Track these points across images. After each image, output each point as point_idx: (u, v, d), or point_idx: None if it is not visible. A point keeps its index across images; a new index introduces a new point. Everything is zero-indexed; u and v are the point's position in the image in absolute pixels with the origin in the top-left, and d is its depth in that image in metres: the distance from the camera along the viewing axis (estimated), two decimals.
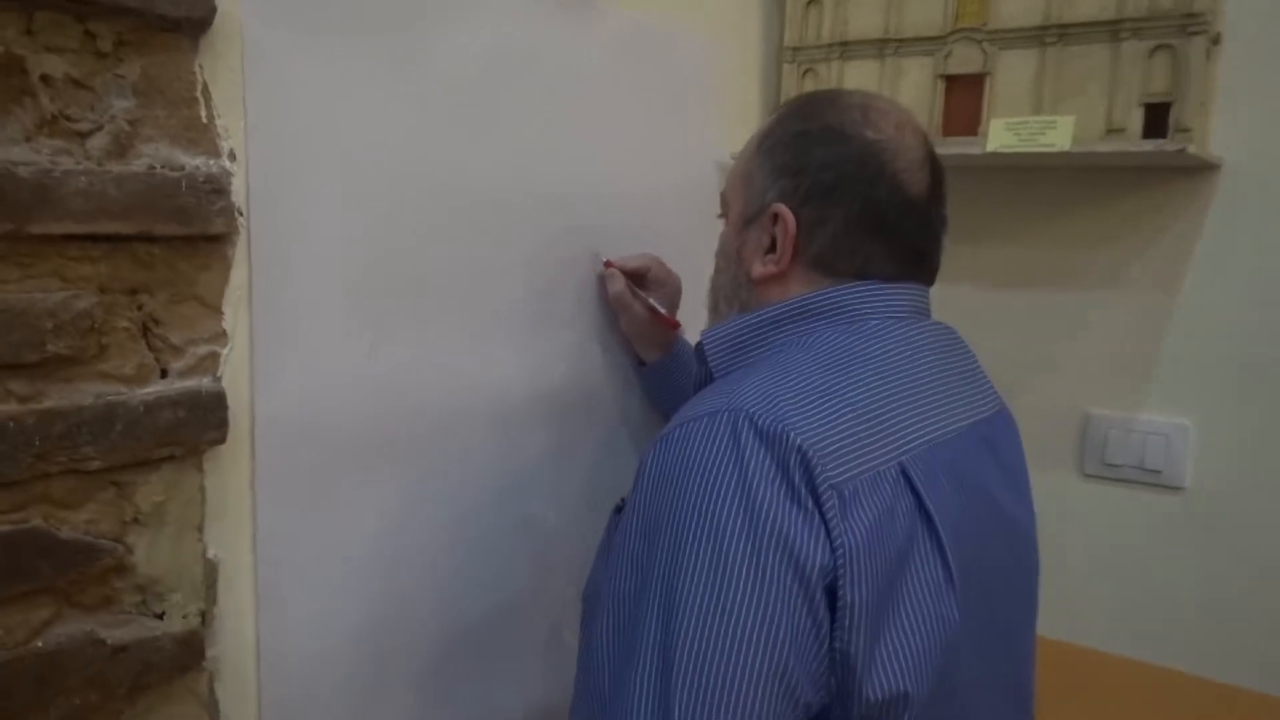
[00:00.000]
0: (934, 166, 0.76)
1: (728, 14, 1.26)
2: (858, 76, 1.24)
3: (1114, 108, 1.07)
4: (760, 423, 0.60)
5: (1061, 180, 1.23)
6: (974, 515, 0.69)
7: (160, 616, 0.66)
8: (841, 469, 0.60)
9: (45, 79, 0.58)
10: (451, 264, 0.87)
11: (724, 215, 0.83)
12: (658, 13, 1.10)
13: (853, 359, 0.68)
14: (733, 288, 0.79)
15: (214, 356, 0.69)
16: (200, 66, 0.66)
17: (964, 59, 1.17)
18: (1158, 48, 1.05)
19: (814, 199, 0.73)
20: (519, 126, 0.92)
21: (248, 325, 0.71)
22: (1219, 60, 1.11)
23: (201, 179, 0.65)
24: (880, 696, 0.58)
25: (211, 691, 0.70)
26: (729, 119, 1.26)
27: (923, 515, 0.63)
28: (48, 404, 0.59)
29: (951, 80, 1.18)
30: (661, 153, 1.13)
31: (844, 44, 1.25)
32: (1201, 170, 1.14)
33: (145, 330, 0.65)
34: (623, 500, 0.70)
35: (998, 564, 0.71)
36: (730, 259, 0.80)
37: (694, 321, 1.00)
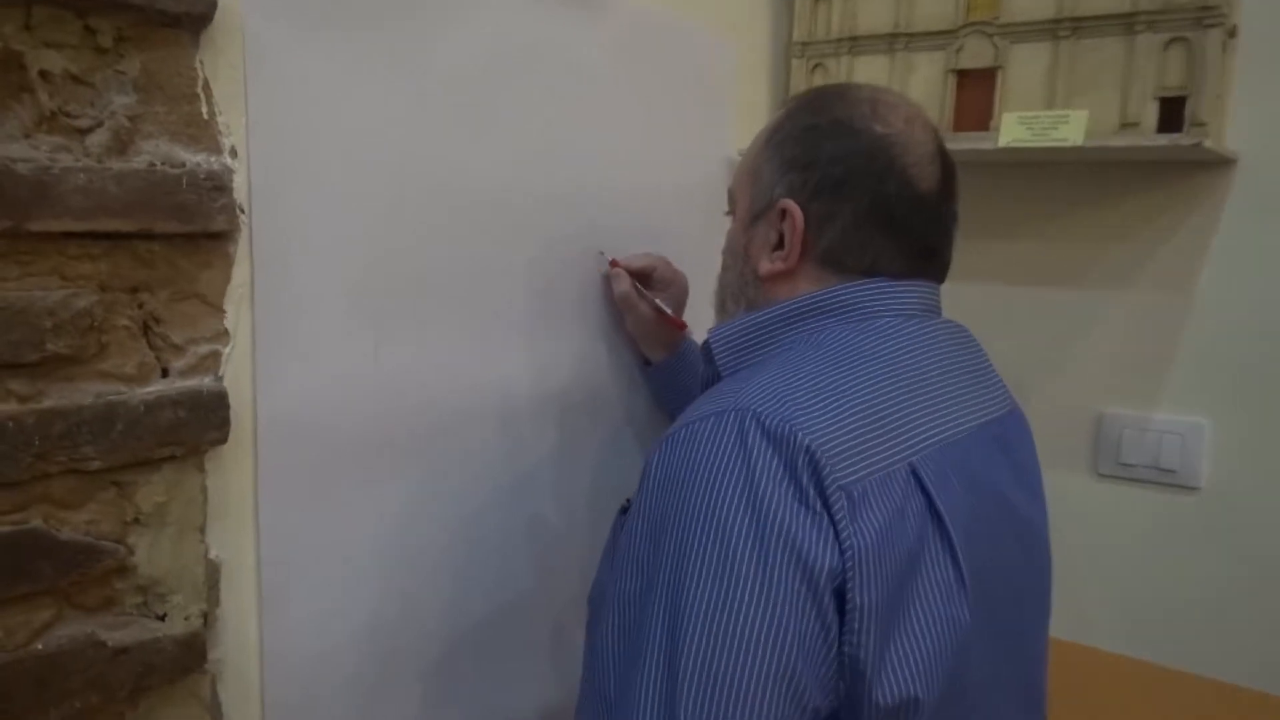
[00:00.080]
0: (944, 161, 0.75)
1: (736, 8, 1.25)
2: (867, 71, 1.23)
3: (1128, 102, 1.06)
4: (767, 423, 0.59)
5: (1074, 176, 1.21)
6: (985, 516, 0.67)
7: (162, 618, 0.66)
8: (850, 470, 0.59)
9: (44, 75, 0.58)
10: (455, 262, 0.86)
11: (731, 212, 0.82)
12: (664, 7, 1.09)
13: (862, 358, 0.66)
14: (740, 285, 0.78)
15: (215, 355, 0.68)
16: (201, 62, 0.65)
17: (975, 53, 1.15)
18: (1173, 40, 1.04)
19: (822, 194, 0.72)
20: (523, 123, 0.91)
21: (250, 324, 0.70)
22: (1235, 53, 1.09)
23: (202, 176, 0.65)
24: (890, 701, 0.57)
25: (214, 693, 0.70)
26: (737, 115, 1.24)
27: (933, 516, 0.62)
28: (47, 403, 0.59)
29: (963, 75, 1.17)
30: (668, 150, 1.12)
31: (853, 39, 1.23)
32: (1217, 165, 1.12)
33: (146, 329, 0.64)
34: (628, 501, 0.69)
35: (1010, 565, 0.70)
36: (737, 256, 0.79)
37: (701, 321, 1.00)
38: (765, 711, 0.55)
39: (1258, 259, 1.11)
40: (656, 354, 1.04)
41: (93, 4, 0.59)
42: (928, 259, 0.74)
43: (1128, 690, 1.20)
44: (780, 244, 0.74)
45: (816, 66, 1.27)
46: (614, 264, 0.99)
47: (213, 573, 0.69)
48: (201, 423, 0.66)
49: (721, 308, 0.82)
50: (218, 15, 0.65)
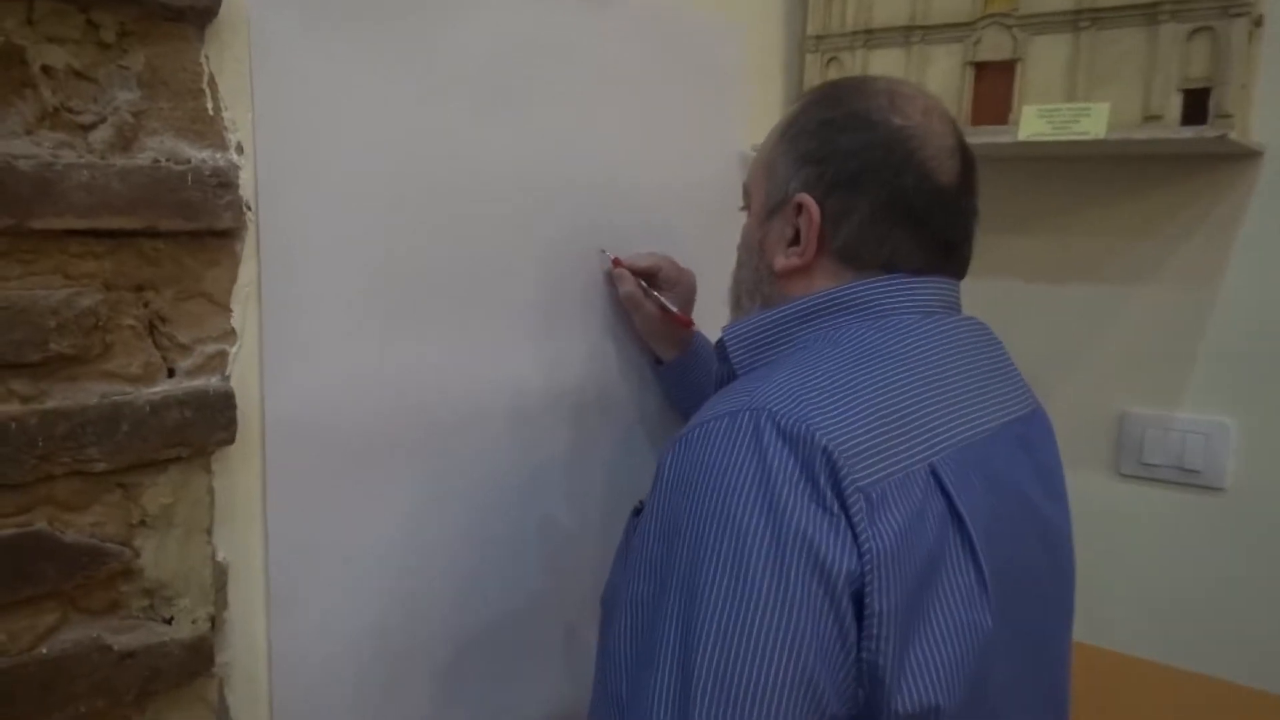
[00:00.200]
0: (964, 155, 0.73)
1: (747, 1, 1.23)
2: (883, 65, 1.21)
3: (1151, 93, 1.03)
4: (784, 422, 0.58)
5: (1095, 169, 1.19)
6: (1007, 517, 0.66)
7: (169, 621, 0.65)
8: (869, 471, 0.57)
9: (46, 70, 0.57)
10: (464, 259, 0.85)
11: (746, 207, 0.80)
12: (675, 0, 1.08)
13: (880, 356, 0.65)
14: (754, 281, 0.77)
15: (222, 355, 0.67)
16: (206, 57, 0.64)
17: (994, 45, 1.13)
18: (1197, 30, 1.01)
19: (839, 188, 0.70)
20: (533, 117, 0.90)
21: (257, 323, 0.69)
22: (1261, 43, 1.06)
23: (208, 172, 0.64)
24: (910, 709, 0.56)
25: (222, 698, 0.69)
26: (750, 110, 1.23)
27: (954, 518, 0.60)
28: (51, 404, 0.58)
29: (981, 67, 1.14)
30: (680, 145, 1.10)
31: (869, 32, 1.21)
32: (1243, 158, 1.09)
33: (151, 328, 0.63)
34: (641, 502, 0.68)
35: (1032, 568, 0.69)
36: (752, 252, 0.77)
37: (713, 319, 0.98)
38: (782, 718, 0.53)
39: None
40: (668, 352, 1.03)
41: None
42: (947, 254, 0.73)
43: (1150, 694, 1.17)
44: (796, 239, 0.72)
45: (831, 60, 1.25)
46: (616, 263, 0.98)
47: (220, 575, 0.68)
48: (208, 423, 0.65)
49: (736, 304, 0.80)
50: (223, 9, 0.64)
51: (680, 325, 0.99)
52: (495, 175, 0.87)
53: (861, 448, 0.58)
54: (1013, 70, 1.12)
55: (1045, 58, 1.10)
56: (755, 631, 0.53)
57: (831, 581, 0.54)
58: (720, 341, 0.74)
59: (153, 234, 0.62)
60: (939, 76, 1.17)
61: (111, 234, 0.60)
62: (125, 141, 0.60)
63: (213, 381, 0.66)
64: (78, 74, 0.58)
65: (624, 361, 1.03)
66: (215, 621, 0.67)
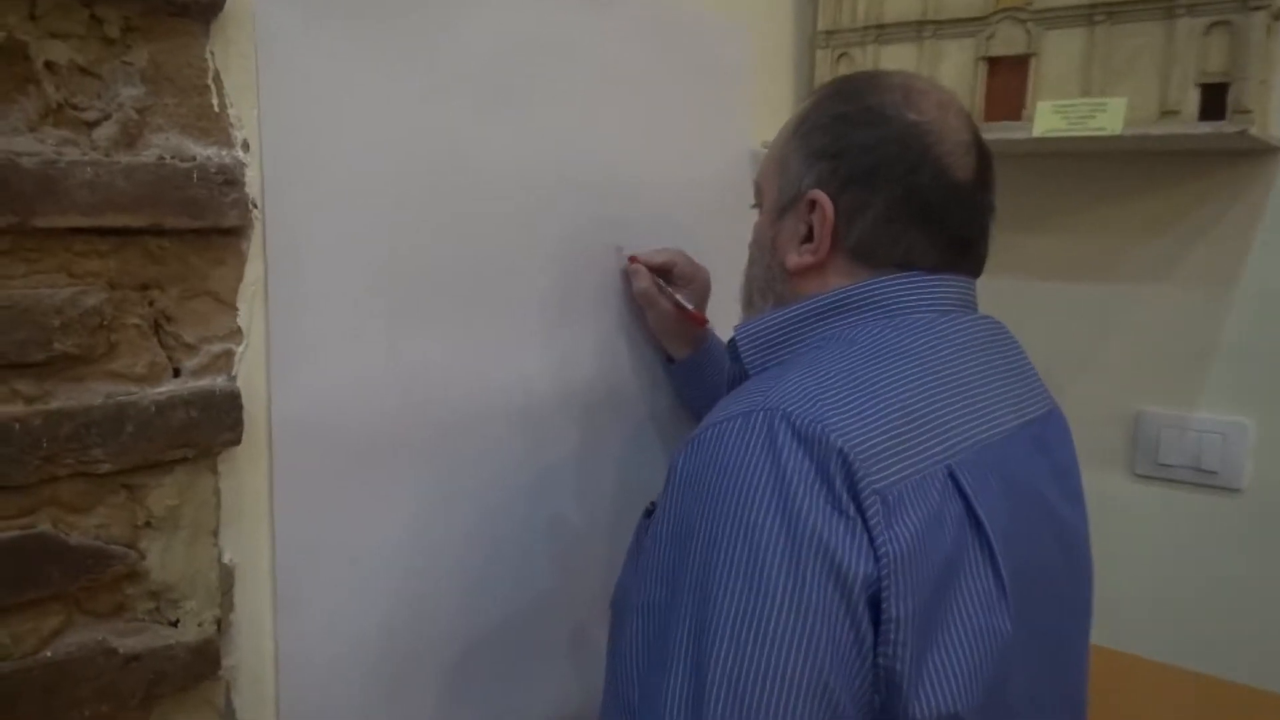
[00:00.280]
0: (980, 150, 0.72)
1: None
2: (895, 61, 1.19)
3: (1168, 89, 1.02)
4: (798, 423, 0.56)
5: (1111, 166, 1.17)
6: (1025, 520, 0.65)
7: (174, 624, 0.64)
8: (885, 473, 0.56)
9: (50, 66, 0.56)
10: (472, 257, 0.84)
11: (758, 205, 0.79)
12: None
13: (896, 355, 0.64)
14: (767, 280, 0.76)
15: (228, 354, 0.66)
16: (211, 53, 0.64)
17: (1007, 40, 1.11)
18: (1215, 24, 1.00)
19: (853, 185, 0.69)
20: (541, 114, 0.89)
21: (263, 322, 0.68)
22: None
23: (213, 170, 0.63)
24: (928, 716, 0.55)
25: (228, 701, 0.68)
26: (759, 106, 1.21)
27: (972, 521, 0.59)
28: (55, 404, 0.57)
29: (994, 62, 1.13)
30: (689, 143, 1.09)
31: (880, 26, 1.20)
32: (1262, 154, 1.08)
33: (156, 327, 0.62)
34: (652, 504, 0.67)
35: (1050, 572, 0.67)
36: (764, 249, 0.76)
37: (724, 317, 0.97)
38: None
39: None
40: (679, 350, 1.02)
41: None
42: (963, 252, 0.71)
43: (1165, 698, 1.16)
44: (809, 236, 0.71)
45: (842, 56, 1.23)
46: (632, 260, 0.97)
47: (226, 577, 0.67)
48: (214, 424, 0.64)
49: (748, 303, 0.79)
50: (228, 4, 0.63)
51: (695, 323, 0.98)
52: (502, 172, 0.86)
53: (878, 449, 0.57)
54: (1026, 65, 1.11)
55: (1060, 52, 1.08)
56: (770, 637, 0.52)
57: (848, 586, 0.53)
58: (732, 341, 0.73)
59: (158, 232, 0.61)
60: (951, 72, 1.15)
61: (116, 232, 0.59)
62: (130, 138, 0.60)
63: (219, 381, 0.65)
64: (81, 70, 0.57)
65: (635, 360, 1.02)
66: (221, 624, 0.67)
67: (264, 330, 0.69)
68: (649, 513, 0.68)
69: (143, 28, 0.60)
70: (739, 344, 0.72)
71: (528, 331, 0.90)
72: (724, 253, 0.99)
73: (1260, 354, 1.10)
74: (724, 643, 0.53)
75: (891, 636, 0.54)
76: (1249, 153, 1.08)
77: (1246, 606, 1.11)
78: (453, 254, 0.82)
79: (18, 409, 0.56)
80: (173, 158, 0.61)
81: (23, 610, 0.57)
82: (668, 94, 1.05)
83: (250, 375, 0.68)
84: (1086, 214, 1.19)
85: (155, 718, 0.64)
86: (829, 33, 1.24)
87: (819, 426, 0.56)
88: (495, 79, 0.84)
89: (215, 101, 0.64)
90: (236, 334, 0.67)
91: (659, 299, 0.97)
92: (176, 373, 0.64)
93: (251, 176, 0.66)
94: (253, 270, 0.67)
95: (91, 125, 0.58)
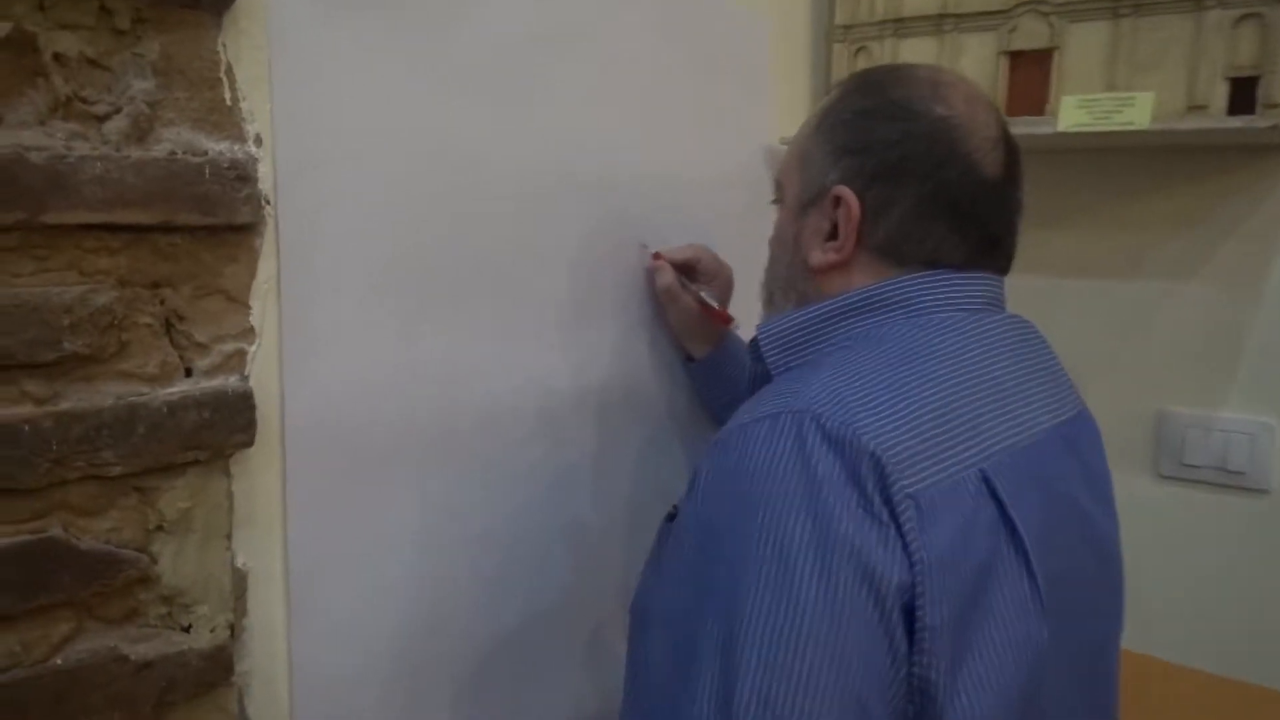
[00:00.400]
0: (1008, 145, 0.70)
1: None
2: (914, 54, 1.17)
3: (1196, 83, 1.00)
4: (828, 425, 0.55)
5: (1136, 161, 1.15)
6: (1059, 525, 0.63)
7: (187, 629, 0.63)
8: (918, 476, 0.54)
9: (58, 58, 0.55)
10: (488, 254, 0.82)
11: (779, 201, 0.77)
12: None
13: (926, 355, 0.62)
14: (789, 278, 0.74)
15: (241, 354, 0.65)
16: (223, 45, 0.62)
17: (1030, 33, 1.09)
18: (1244, 16, 0.98)
19: (879, 181, 0.67)
20: (557, 108, 0.88)
21: (276, 320, 0.67)
22: None
23: (225, 165, 0.61)
24: None
25: (242, 707, 0.67)
26: (777, 102, 1.20)
27: (1006, 526, 0.57)
28: (65, 406, 0.56)
29: (1016, 56, 1.11)
30: (705, 137, 1.07)
31: (899, 20, 1.18)
32: None
33: (168, 326, 0.61)
34: (675, 508, 0.65)
35: (1083, 577, 0.66)
36: (787, 247, 0.74)
37: (744, 316, 0.95)
38: None
39: None
40: (699, 349, 1.00)
41: None
42: (991, 249, 0.70)
43: (1190, 703, 1.14)
44: (834, 234, 0.69)
45: (860, 50, 1.22)
46: (656, 256, 0.95)
47: (239, 581, 0.66)
48: (227, 425, 0.63)
49: (769, 301, 0.77)
50: None
51: (719, 320, 0.96)
52: (518, 168, 0.84)
53: (910, 452, 0.55)
54: (1049, 59, 1.08)
55: (1084, 46, 1.06)
56: (802, 648, 0.51)
57: (881, 594, 0.52)
58: (754, 340, 0.71)
59: (169, 229, 0.60)
60: (972, 66, 1.13)
61: (127, 228, 0.58)
62: (140, 133, 0.58)
63: (231, 381, 0.64)
64: (91, 62, 0.56)
65: (654, 358, 1.00)
66: (234, 629, 0.65)
67: (276, 329, 0.67)
68: (671, 517, 0.66)
69: (153, 19, 0.58)
70: (761, 344, 0.70)
71: (544, 330, 0.88)
72: (741, 249, 0.98)
73: None
74: (753, 653, 0.52)
75: (926, 645, 0.52)
76: (1278, 148, 1.06)
77: (1274, 610, 1.09)
78: (468, 251, 0.80)
79: (28, 410, 0.54)
80: (184, 153, 0.60)
81: (33, 617, 0.56)
82: (684, 89, 1.03)
83: (263, 375, 0.66)
84: (1109, 210, 1.17)
85: None
86: (846, 26, 1.22)
87: (850, 429, 0.54)
88: (511, 73, 0.83)
89: (227, 95, 0.63)
90: (249, 333, 0.65)
91: (682, 295, 0.95)
92: (188, 373, 0.62)
93: (264, 171, 0.65)
94: (265, 268, 0.66)
95: (101, 119, 0.57)
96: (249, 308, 0.65)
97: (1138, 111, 0.99)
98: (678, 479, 1.03)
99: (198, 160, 0.60)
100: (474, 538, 0.83)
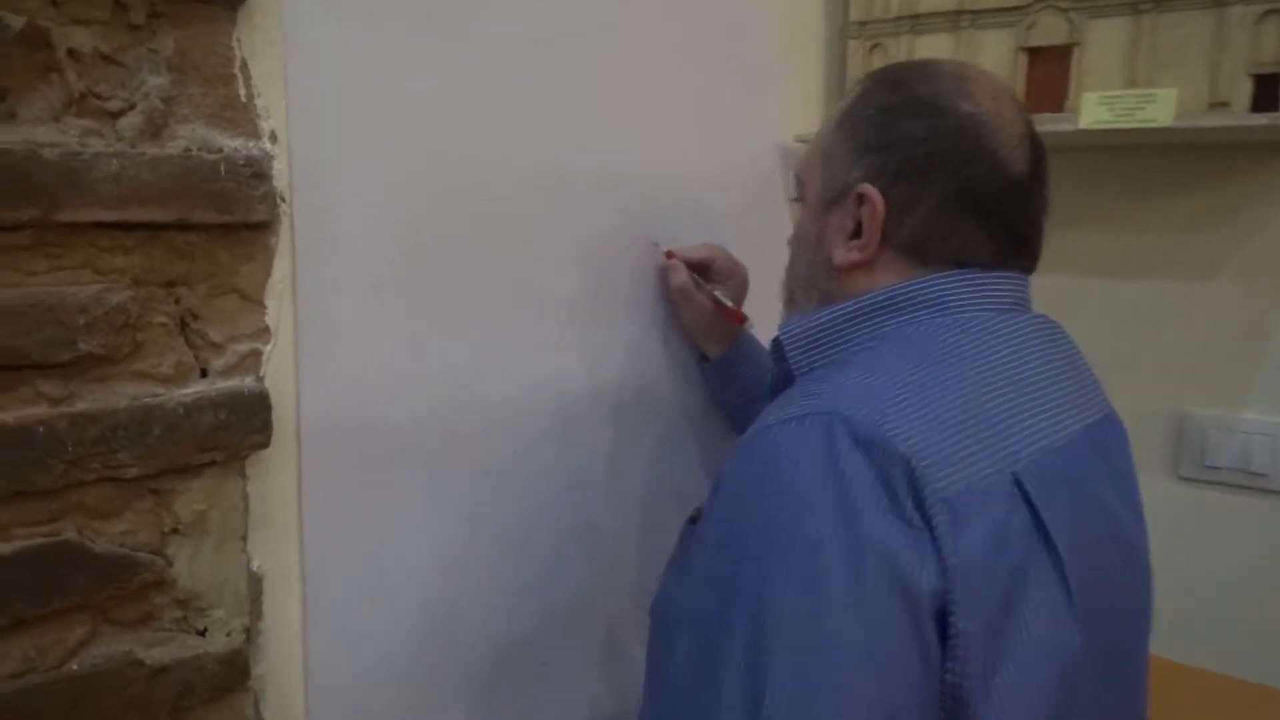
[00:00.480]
0: (1034, 142, 0.69)
1: None
2: (929, 51, 1.16)
3: (1218, 79, 0.98)
4: (857, 427, 0.54)
5: (1156, 159, 1.13)
6: (1090, 529, 0.62)
7: (202, 633, 0.62)
8: (950, 480, 0.53)
9: (73, 53, 0.54)
10: (504, 253, 0.81)
11: (800, 198, 0.76)
12: None
13: (953, 356, 0.61)
14: (811, 277, 0.73)
15: (256, 354, 0.64)
16: (238, 40, 0.61)
17: (1049, 29, 1.08)
18: (1268, 12, 0.96)
19: (904, 178, 0.66)
20: (573, 106, 0.87)
21: (292, 320, 0.66)
22: None
23: (241, 162, 0.60)
24: None
25: (257, 712, 0.66)
26: (791, 99, 1.18)
27: (1039, 530, 0.56)
28: (80, 407, 0.55)
29: (1034, 53, 1.10)
30: (720, 134, 1.06)
31: (914, 16, 1.17)
32: None
33: (183, 326, 0.60)
34: (698, 510, 0.64)
35: (1114, 581, 0.64)
36: (808, 245, 0.73)
37: (759, 316, 0.94)
38: None
39: None
40: (713, 348, 0.99)
41: None
42: (1017, 248, 0.68)
43: (1213, 708, 1.13)
44: (857, 232, 0.68)
45: (875, 47, 1.20)
46: (670, 255, 0.94)
47: (255, 585, 0.65)
48: (243, 426, 0.62)
49: (790, 300, 0.76)
50: None
51: (734, 320, 0.95)
52: (533, 166, 0.83)
53: (942, 455, 0.54)
54: (1069, 56, 1.07)
55: (1104, 42, 1.05)
56: (832, 655, 0.50)
57: (914, 600, 0.50)
58: (776, 341, 0.70)
59: (184, 227, 0.59)
60: (989, 63, 1.12)
61: (142, 226, 0.57)
62: (155, 129, 0.57)
63: (247, 382, 0.63)
64: (105, 58, 0.55)
65: (669, 358, 0.99)
66: (250, 633, 0.64)
67: (292, 329, 0.66)
68: (694, 519, 0.65)
69: (168, 14, 0.57)
70: (784, 344, 0.69)
71: (559, 330, 0.87)
72: (756, 248, 0.97)
73: None
74: (782, 661, 0.50)
75: (960, 652, 0.51)
76: None
77: None
78: (482, 250, 0.80)
79: (42, 411, 0.53)
80: (199, 149, 0.59)
81: (47, 621, 0.55)
82: (698, 86, 1.02)
83: (279, 375, 0.65)
84: (1130, 209, 1.16)
85: None
86: (861, 23, 1.20)
87: (880, 431, 0.53)
88: (526, 70, 0.82)
89: (242, 91, 0.62)
90: (264, 333, 0.64)
91: (696, 295, 0.94)
92: (204, 373, 0.61)
93: (280, 169, 0.64)
94: (281, 267, 0.65)
95: (116, 115, 0.56)
96: (264, 307, 0.64)
97: (1160, 108, 0.97)
98: (692, 479, 1.02)
99: (213, 157, 0.59)
100: (489, 538, 0.82)
